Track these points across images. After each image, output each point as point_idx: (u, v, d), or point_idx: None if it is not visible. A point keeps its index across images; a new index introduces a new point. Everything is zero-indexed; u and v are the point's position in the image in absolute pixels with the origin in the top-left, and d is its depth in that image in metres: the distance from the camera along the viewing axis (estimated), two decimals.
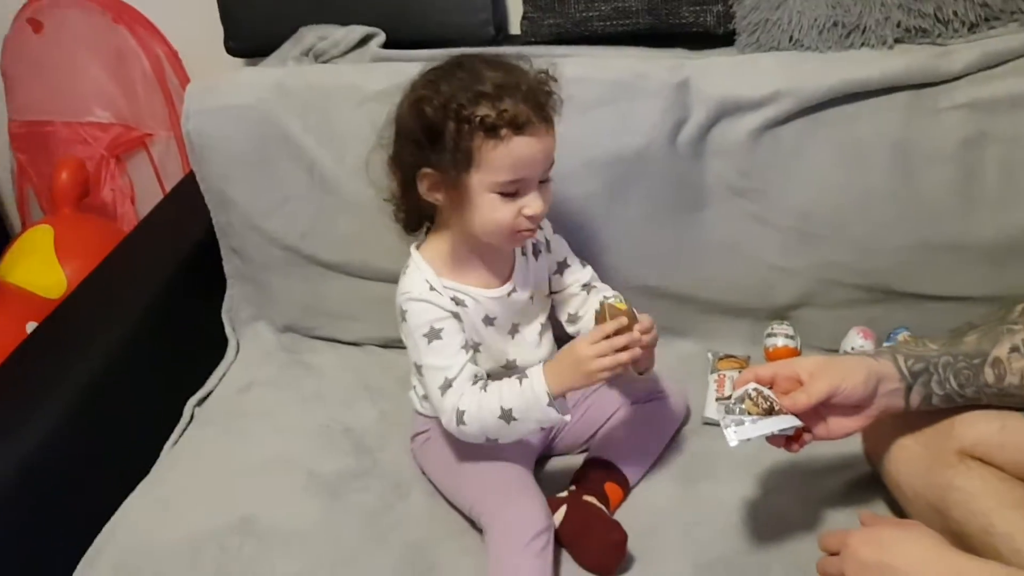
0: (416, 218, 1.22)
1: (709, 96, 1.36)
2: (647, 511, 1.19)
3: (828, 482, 1.21)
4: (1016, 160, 1.31)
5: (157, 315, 1.49)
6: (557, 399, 1.08)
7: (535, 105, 1.06)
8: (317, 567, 1.15)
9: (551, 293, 1.29)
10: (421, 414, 1.27)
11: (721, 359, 1.44)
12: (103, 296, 1.51)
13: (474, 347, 1.18)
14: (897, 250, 1.36)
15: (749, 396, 1.03)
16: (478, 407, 1.11)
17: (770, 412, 1.02)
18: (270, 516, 1.22)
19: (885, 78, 1.32)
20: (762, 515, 1.18)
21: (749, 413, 1.02)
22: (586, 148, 1.35)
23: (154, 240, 1.66)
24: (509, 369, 1.22)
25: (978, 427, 1.04)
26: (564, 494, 1.19)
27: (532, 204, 1.09)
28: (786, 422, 1.02)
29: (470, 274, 1.19)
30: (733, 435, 1.01)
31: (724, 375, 1.39)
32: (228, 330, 1.60)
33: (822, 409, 1.03)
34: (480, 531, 1.15)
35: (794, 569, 1.09)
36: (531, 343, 1.25)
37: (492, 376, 1.18)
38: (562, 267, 1.28)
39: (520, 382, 1.11)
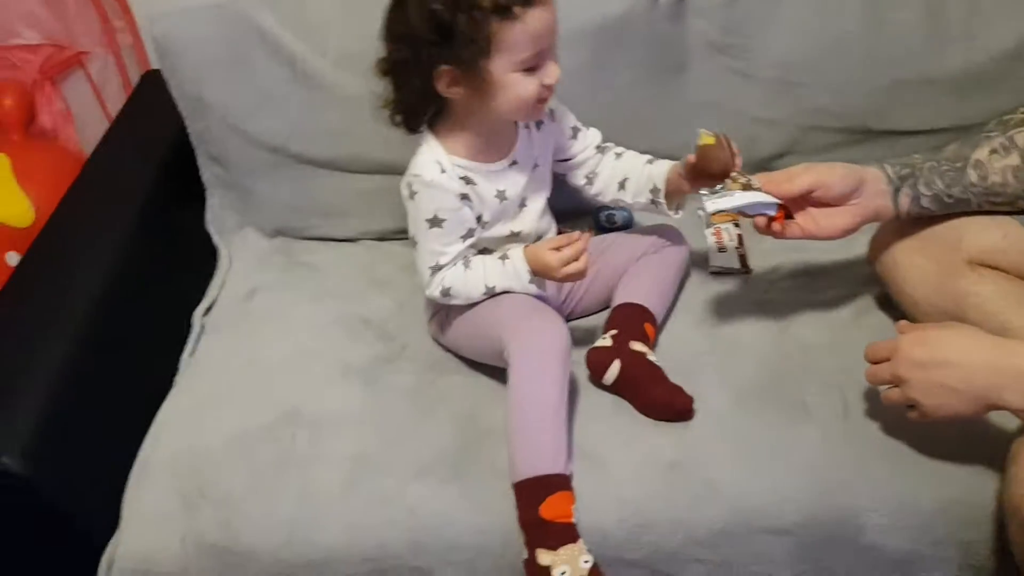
0: (416, 117, 1.21)
1: None
2: (679, 358, 1.24)
3: (843, 312, 1.30)
4: None
5: (142, 233, 1.44)
6: (536, 277, 1.19)
7: None
8: (375, 445, 1.18)
9: (566, 160, 1.32)
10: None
11: (713, 214, 1.49)
12: (83, 220, 1.45)
13: (481, 224, 1.22)
14: (872, 90, 1.44)
15: (731, 178, 1.12)
16: (464, 284, 1.21)
17: (748, 189, 1.11)
18: (314, 406, 1.24)
19: None
20: (786, 346, 1.26)
21: (728, 190, 1.11)
22: (571, 18, 1.32)
23: (119, 159, 1.59)
24: (513, 239, 1.27)
25: (983, 237, 1.14)
26: (606, 342, 1.23)
27: (551, 72, 1.12)
28: (763, 197, 1.11)
29: (480, 150, 1.21)
30: (710, 204, 1.11)
31: (720, 228, 1.46)
32: (216, 240, 1.57)
33: (806, 203, 1.12)
34: None
35: (825, 388, 1.19)
36: (535, 214, 1.29)
37: (494, 246, 1.25)
38: (576, 131, 1.31)
39: (503, 262, 1.20)
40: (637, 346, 1.21)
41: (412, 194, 1.19)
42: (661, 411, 1.17)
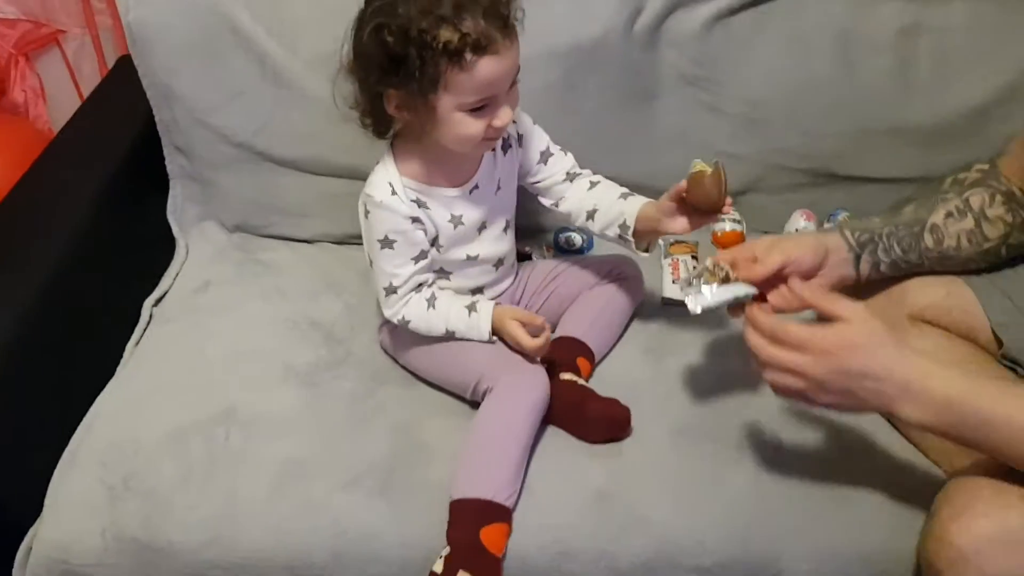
0: (384, 126, 1.19)
1: None
2: (620, 385, 1.24)
3: None
4: (947, 49, 1.41)
5: (99, 219, 1.43)
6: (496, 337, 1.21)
7: (496, 19, 1.03)
8: (307, 450, 1.17)
9: (533, 182, 1.31)
10: None
11: (672, 244, 1.51)
12: (40, 202, 1.43)
13: (437, 247, 1.22)
14: (839, 135, 1.45)
15: (708, 269, 1.09)
16: (426, 321, 1.21)
17: (726, 281, 1.09)
18: (251, 406, 1.23)
19: None
20: (728, 382, 1.26)
21: (707, 283, 1.09)
22: (544, 38, 1.36)
23: (84, 142, 1.58)
24: (470, 262, 1.26)
25: (926, 293, 1.15)
26: None
27: (501, 116, 1.10)
28: (742, 289, 1.08)
29: (436, 174, 1.20)
30: (695, 303, 1.07)
31: (677, 259, 1.46)
32: (175, 231, 1.56)
33: (777, 280, 1.09)
34: (471, 403, 1.21)
35: (762, 427, 1.19)
36: (494, 238, 1.28)
37: (451, 269, 1.25)
38: (545, 156, 1.30)
39: (469, 313, 1.20)
40: (567, 376, 1.21)
41: (366, 213, 1.19)
42: (598, 425, 1.17)
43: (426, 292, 1.22)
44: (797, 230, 1.48)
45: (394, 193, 1.16)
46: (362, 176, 1.22)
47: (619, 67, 1.43)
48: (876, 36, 1.41)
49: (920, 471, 1.12)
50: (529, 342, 1.18)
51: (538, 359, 1.21)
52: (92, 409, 1.25)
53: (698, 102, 1.46)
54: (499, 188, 1.26)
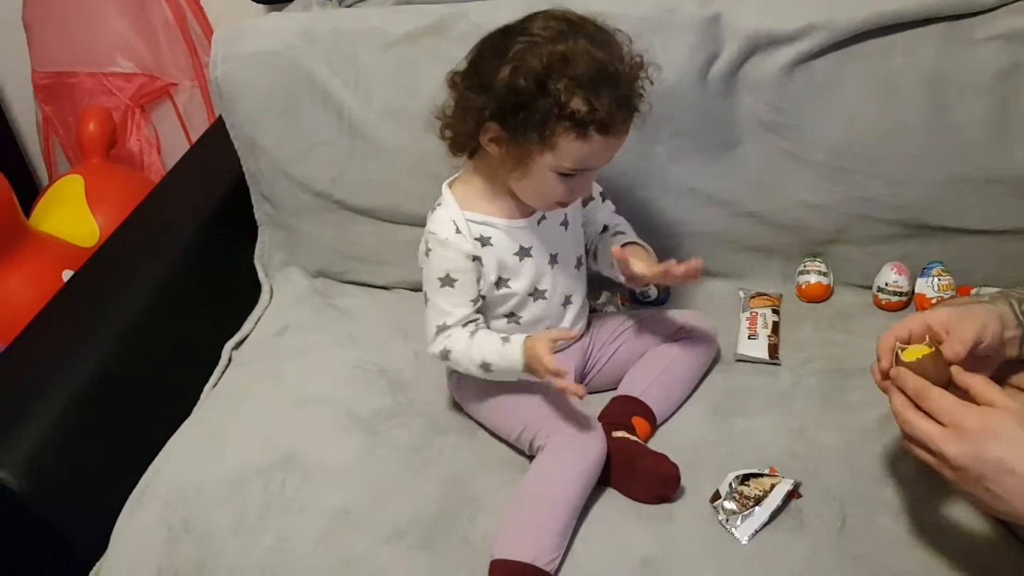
0: (463, 143, 1.19)
1: (741, 30, 1.35)
2: (682, 446, 1.20)
3: (867, 417, 1.20)
4: None
5: (191, 261, 1.51)
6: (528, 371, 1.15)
7: (626, 105, 1.06)
8: (358, 501, 1.17)
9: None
10: None
11: (753, 297, 1.45)
12: (138, 244, 1.53)
13: (502, 284, 1.21)
14: (930, 184, 1.36)
15: (735, 495, 1.09)
16: (465, 353, 1.19)
17: (759, 500, 1.08)
18: (310, 453, 1.25)
19: (919, 9, 1.31)
20: (797, 447, 1.19)
21: (745, 507, 1.08)
22: None
23: (185, 188, 1.68)
24: (538, 296, 1.25)
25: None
26: None
27: (583, 188, 1.14)
28: (780, 492, 1.08)
29: (500, 205, 1.20)
30: (744, 533, 1.06)
31: (756, 313, 1.40)
32: (261, 276, 1.62)
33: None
34: (527, 456, 1.19)
35: (827, 498, 1.11)
36: (567, 275, 1.27)
37: (518, 309, 1.24)
38: (587, 200, 1.29)
39: (502, 343, 1.17)
40: (618, 434, 1.17)
41: (427, 251, 1.20)
42: (647, 484, 1.13)
43: (471, 327, 1.21)
44: (887, 284, 1.39)
45: (458, 231, 1.17)
46: None
47: (694, 113, 1.39)
48: (971, 79, 1.31)
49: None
50: (550, 362, 1.09)
51: (595, 420, 1.17)
52: (164, 449, 1.30)
53: (779, 149, 1.40)
54: (567, 224, 1.26)
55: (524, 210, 1.21)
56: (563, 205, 1.17)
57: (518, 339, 1.15)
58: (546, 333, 1.13)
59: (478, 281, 1.19)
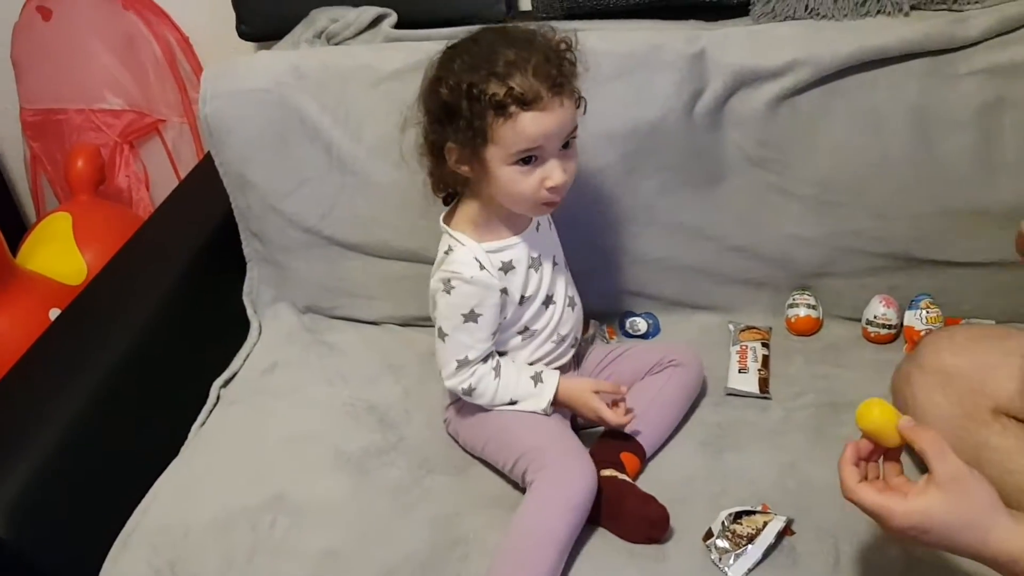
0: (441, 182, 1.24)
1: (726, 66, 1.36)
2: (673, 481, 1.20)
3: None
4: None
5: (179, 299, 1.50)
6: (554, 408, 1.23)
7: (546, 78, 1.07)
8: (347, 542, 1.16)
9: None
10: None
11: (743, 330, 1.45)
12: (125, 282, 1.52)
13: (524, 301, 1.23)
14: (917, 217, 1.37)
15: (727, 534, 1.09)
16: (492, 393, 1.22)
17: (752, 538, 1.08)
18: (299, 493, 1.24)
19: (902, 45, 1.32)
20: (788, 483, 1.18)
21: (738, 545, 1.07)
22: (602, 121, 1.35)
23: (173, 225, 1.67)
24: (547, 304, 1.26)
25: (1010, 384, 1.05)
26: None
27: (553, 174, 1.12)
28: (773, 530, 1.08)
29: (503, 225, 1.22)
30: (738, 572, 1.06)
31: (746, 346, 1.40)
32: (250, 312, 1.61)
33: None
34: (520, 490, 1.18)
35: (820, 534, 1.10)
36: (565, 275, 1.31)
37: (532, 323, 1.25)
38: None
39: (535, 383, 1.22)
40: (607, 472, 1.17)
41: (449, 289, 1.19)
42: (635, 526, 1.12)
43: (492, 362, 1.22)
44: (876, 317, 1.40)
45: (483, 268, 1.18)
46: (424, 259, 1.25)
47: (680, 149, 1.39)
48: (955, 113, 1.32)
49: None
50: (612, 416, 1.18)
51: (586, 454, 1.17)
52: (151, 490, 1.28)
53: (765, 184, 1.41)
54: (549, 224, 1.30)
55: (522, 222, 1.23)
56: (550, 204, 1.16)
57: (551, 380, 1.22)
58: (592, 384, 1.22)
59: (501, 311, 1.20)
